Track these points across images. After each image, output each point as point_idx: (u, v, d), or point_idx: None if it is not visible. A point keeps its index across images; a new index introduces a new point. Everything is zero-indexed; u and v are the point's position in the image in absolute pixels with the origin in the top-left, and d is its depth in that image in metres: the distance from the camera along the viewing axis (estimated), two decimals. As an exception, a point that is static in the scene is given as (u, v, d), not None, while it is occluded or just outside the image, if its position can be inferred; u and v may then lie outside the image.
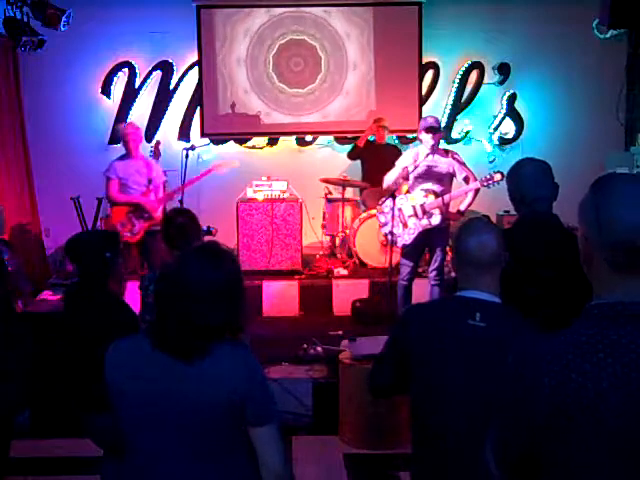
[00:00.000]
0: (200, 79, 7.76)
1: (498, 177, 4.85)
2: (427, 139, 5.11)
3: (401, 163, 5.25)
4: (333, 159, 7.85)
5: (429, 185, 5.16)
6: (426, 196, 5.15)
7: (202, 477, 1.83)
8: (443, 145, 5.56)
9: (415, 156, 5.20)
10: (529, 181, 2.64)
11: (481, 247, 2.06)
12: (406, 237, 5.23)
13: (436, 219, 5.14)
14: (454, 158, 5.18)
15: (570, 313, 2.37)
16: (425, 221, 5.16)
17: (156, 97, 7.81)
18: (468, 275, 2.10)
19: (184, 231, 3.37)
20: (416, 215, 5.18)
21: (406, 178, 5.25)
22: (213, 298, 1.80)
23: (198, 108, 7.82)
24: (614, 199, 1.27)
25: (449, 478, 2.07)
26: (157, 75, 7.80)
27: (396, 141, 7.69)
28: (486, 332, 2.00)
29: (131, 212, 5.90)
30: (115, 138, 7.75)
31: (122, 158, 5.94)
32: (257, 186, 6.78)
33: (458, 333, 2.03)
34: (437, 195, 5.12)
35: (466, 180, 5.18)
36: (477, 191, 5.14)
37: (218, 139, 7.88)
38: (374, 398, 2.55)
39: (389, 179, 5.26)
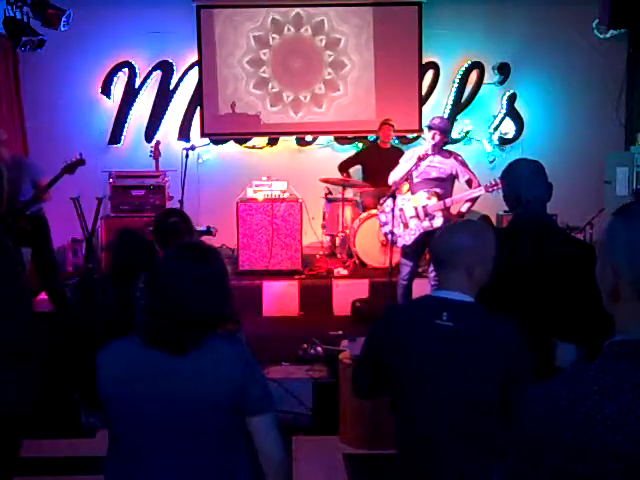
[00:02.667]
0: (200, 79, 7.76)
1: (501, 177, 4.84)
2: (428, 137, 5.14)
3: (405, 160, 5.26)
4: (333, 159, 7.83)
5: (431, 186, 5.15)
6: (429, 198, 5.14)
7: (203, 470, 1.85)
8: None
9: (414, 153, 5.21)
10: (523, 182, 2.65)
11: (449, 247, 2.08)
12: (407, 237, 5.23)
13: (438, 221, 5.13)
14: (457, 160, 5.17)
15: (566, 313, 2.39)
16: (427, 223, 5.16)
17: (156, 97, 7.81)
18: (440, 275, 2.14)
19: (176, 231, 3.38)
20: (418, 216, 5.17)
21: (407, 178, 5.25)
22: (195, 290, 1.82)
23: (198, 108, 7.82)
24: None
25: (430, 475, 2.08)
26: (157, 75, 7.80)
27: (396, 141, 7.69)
28: (453, 331, 2.01)
29: None
30: (114, 138, 7.78)
31: None
32: (257, 186, 6.77)
33: (426, 333, 2.05)
34: (440, 197, 5.11)
35: (469, 182, 5.17)
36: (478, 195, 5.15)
37: (218, 139, 7.88)
38: (357, 398, 2.58)
39: (395, 176, 5.26)
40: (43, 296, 5.89)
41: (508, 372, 1.97)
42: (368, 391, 2.35)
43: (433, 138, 5.07)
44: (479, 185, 5.12)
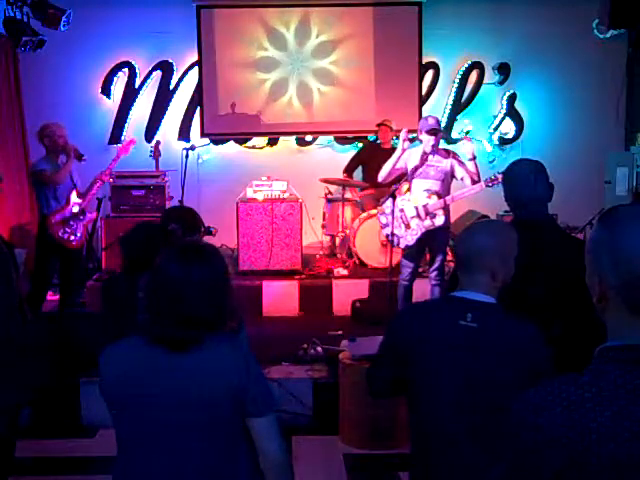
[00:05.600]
0: (200, 79, 7.76)
1: (502, 178, 4.82)
2: (428, 140, 5.07)
3: (394, 157, 5.23)
4: (333, 159, 7.85)
5: (430, 185, 5.15)
6: (429, 197, 5.13)
7: (204, 468, 1.84)
8: (443, 145, 5.53)
9: (408, 155, 5.18)
10: (524, 182, 2.64)
11: (473, 248, 2.06)
12: (409, 238, 5.21)
13: (440, 220, 5.12)
14: (455, 158, 5.17)
15: (567, 315, 2.39)
16: (428, 222, 5.14)
17: (156, 97, 7.82)
18: (462, 275, 2.10)
19: (178, 232, 3.38)
20: (419, 216, 5.17)
21: (406, 179, 5.25)
22: (196, 290, 1.83)
23: (198, 108, 7.83)
24: (630, 236, 1.19)
25: (446, 477, 2.07)
26: (157, 75, 7.81)
27: (395, 141, 7.68)
28: (478, 332, 1.99)
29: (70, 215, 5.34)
30: (114, 138, 7.78)
31: (49, 157, 5.36)
32: (257, 186, 6.77)
33: (450, 334, 2.02)
34: (440, 196, 5.11)
35: (467, 180, 5.17)
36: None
37: (218, 139, 7.88)
38: (374, 399, 2.53)
39: (384, 172, 5.25)
40: (50, 297, 5.90)
41: (529, 375, 1.92)
42: (386, 391, 2.32)
43: (434, 139, 5.04)
44: (478, 182, 5.11)
